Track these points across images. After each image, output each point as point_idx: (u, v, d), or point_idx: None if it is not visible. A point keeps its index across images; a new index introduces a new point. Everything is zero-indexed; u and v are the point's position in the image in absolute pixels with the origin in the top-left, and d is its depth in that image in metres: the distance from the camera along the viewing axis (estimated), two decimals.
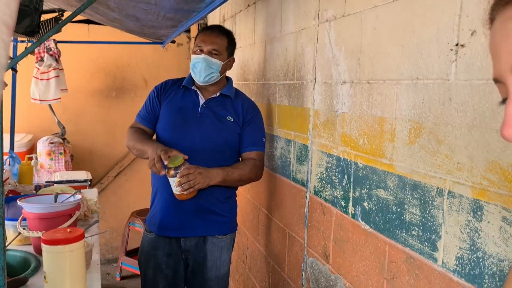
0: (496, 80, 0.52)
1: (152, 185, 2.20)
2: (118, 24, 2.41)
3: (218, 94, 2.12)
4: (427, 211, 1.18)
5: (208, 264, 2.14)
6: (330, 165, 1.73)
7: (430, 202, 1.17)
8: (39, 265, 1.53)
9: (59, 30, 2.00)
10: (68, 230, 1.36)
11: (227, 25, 3.32)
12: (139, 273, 2.31)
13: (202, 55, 2.04)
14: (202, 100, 2.11)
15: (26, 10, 1.03)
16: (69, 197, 1.79)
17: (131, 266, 3.94)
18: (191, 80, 2.15)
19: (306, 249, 1.96)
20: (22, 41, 2.66)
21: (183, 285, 2.22)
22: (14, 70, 0.97)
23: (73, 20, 3.86)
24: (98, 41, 3.61)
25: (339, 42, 1.65)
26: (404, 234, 1.27)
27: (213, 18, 3.79)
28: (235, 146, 2.13)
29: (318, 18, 1.82)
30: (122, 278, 4.08)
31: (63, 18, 2.23)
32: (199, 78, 2.07)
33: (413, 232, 1.23)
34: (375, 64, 1.41)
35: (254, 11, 2.70)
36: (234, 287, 3.23)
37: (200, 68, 2.04)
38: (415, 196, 1.22)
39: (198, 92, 2.12)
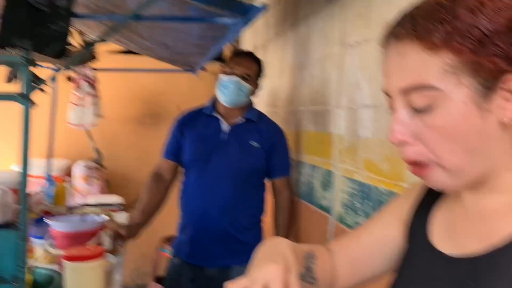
0: (385, 93, 0.64)
1: (184, 212, 2.21)
2: (151, 52, 2.52)
3: (242, 119, 2.12)
4: None
5: None
6: (353, 190, 1.70)
7: None
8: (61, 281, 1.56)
9: (93, 57, 2.10)
10: (89, 247, 1.39)
11: (258, 53, 3.38)
12: None
13: (235, 78, 2.04)
14: (224, 126, 2.11)
15: (55, 35, 1.10)
16: (95, 217, 1.83)
17: None
18: (212, 107, 2.15)
19: None
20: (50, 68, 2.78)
21: None
22: (41, 89, 1.04)
23: (112, 51, 4.03)
24: (132, 69, 3.76)
25: (362, 67, 1.65)
26: None
27: (245, 47, 3.88)
28: (261, 172, 2.13)
29: (342, 44, 1.83)
30: None
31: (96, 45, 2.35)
32: (228, 99, 2.05)
33: None
34: None
35: (284, 39, 2.75)
36: None
37: (232, 89, 2.04)
38: None
39: (221, 118, 2.12)
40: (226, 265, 2.10)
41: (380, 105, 1.50)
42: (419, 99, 0.58)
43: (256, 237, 2.17)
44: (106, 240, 1.83)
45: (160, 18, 1.44)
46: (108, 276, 1.58)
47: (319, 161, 2.09)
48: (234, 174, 2.06)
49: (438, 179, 0.61)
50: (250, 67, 2.11)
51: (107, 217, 1.83)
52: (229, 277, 2.10)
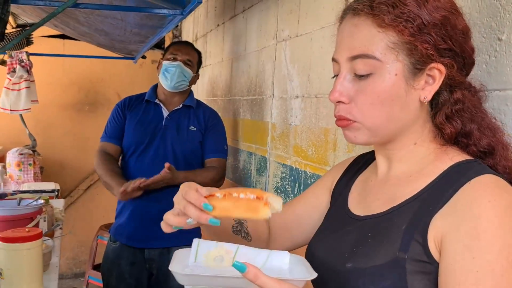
0: (334, 60, 0.75)
1: None
2: (89, 38, 2.50)
3: (181, 105, 2.20)
4: None
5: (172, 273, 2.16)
6: (284, 174, 1.83)
7: None
8: None
9: (28, 41, 2.07)
10: (26, 229, 1.41)
11: (199, 44, 3.45)
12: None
13: (177, 62, 2.11)
14: (165, 113, 2.18)
15: None
16: (32, 201, 1.83)
17: (98, 280, 3.91)
18: (153, 93, 2.21)
19: None
20: None
21: None
22: None
23: (49, 35, 3.91)
24: (70, 55, 3.69)
25: (293, 59, 1.77)
26: None
27: (187, 37, 3.91)
28: (199, 155, 2.20)
29: (276, 38, 1.95)
30: None
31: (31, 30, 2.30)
32: (171, 82, 2.11)
33: None
34: (321, 80, 1.53)
35: (223, 30, 2.83)
36: None
37: (174, 73, 2.10)
38: None
39: (161, 105, 2.19)
40: (166, 247, 2.16)
41: (308, 95, 1.63)
42: (362, 66, 0.70)
43: None
44: (42, 223, 1.85)
45: (99, 7, 1.47)
46: (46, 258, 1.60)
47: (255, 148, 2.20)
48: (173, 157, 2.12)
49: (356, 134, 0.74)
50: (191, 54, 2.19)
51: (43, 201, 1.84)
52: (169, 258, 2.16)
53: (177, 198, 0.76)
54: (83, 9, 1.51)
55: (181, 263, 0.73)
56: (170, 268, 0.69)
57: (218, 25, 2.95)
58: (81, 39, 2.70)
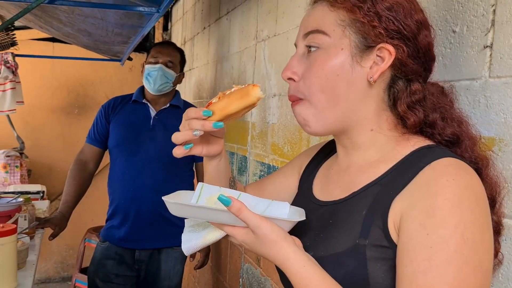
0: (295, 45, 0.78)
1: (113, 197, 2.20)
2: (74, 39, 2.52)
3: (168, 105, 2.20)
4: None
5: (161, 274, 2.15)
6: (262, 173, 1.84)
7: None
8: None
9: (13, 43, 2.07)
10: (1, 225, 1.42)
11: (187, 47, 3.47)
12: None
13: (159, 65, 2.13)
14: (153, 113, 2.18)
15: None
16: (11, 200, 1.84)
17: (85, 283, 3.89)
18: (140, 93, 2.22)
19: (243, 256, 2.05)
20: None
21: None
22: None
23: (38, 38, 3.91)
24: (57, 56, 3.70)
25: (271, 59, 1.79)
26: None
27: (176, 41, 3.93)
28: (188, 156, 2.20)
29: (256, 38, 1.97)
30: None
31: (13, 31, 2.32)
32: (154, 86, 2.12)
33: None
34: None
35: (209, 33, 2.85)
36: None
37: (156, 76, 2.11)
38: None
39: (149, 105, 2.19)
40: (157, 248, 2.15)
41: (285, 93, 1.65)
42: (312, 41, 0.72)
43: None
44: (22, 222, 1.85)
45: (73, 3, 1.49)
46: (22, 255, 1.60)
47: (237, 148, 2.22)
48: (162, 157, 2.11)
49: (304, 112, 0.74)
50: (172, 54, 2.20)
51: (22, 199, 1.84)
52: (159, 259, 2.16)
53: (182, 122, 0.79)
54: (60, 6, 1.52)
55: (180, 199, 0.75)
56: (163, 198, 0.71)
57: (204, 28, 2.97)
58: (68, 40, 2.72)
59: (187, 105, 2.29)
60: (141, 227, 2.11)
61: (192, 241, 0.74)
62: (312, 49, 0.72)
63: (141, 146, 2.13)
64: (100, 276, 2.17)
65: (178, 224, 2.15)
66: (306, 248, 0.71)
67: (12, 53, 2.73)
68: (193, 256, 2.24)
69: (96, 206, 4.32)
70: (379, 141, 0.75)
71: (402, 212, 0.64)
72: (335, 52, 0.71)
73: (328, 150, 0.90)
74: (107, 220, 2.24)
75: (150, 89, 2.15)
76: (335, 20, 0.71)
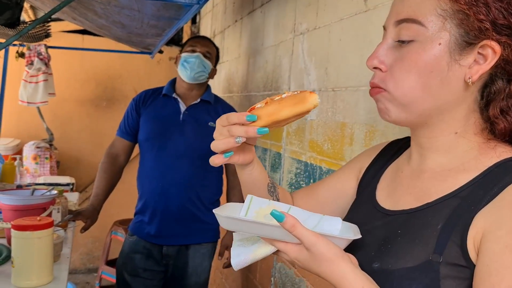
0: (384, 28, 0.70)
1: (142, 192, 2.20)
2: (107, 31, 2.51)
3: (198, 100, 2.17)
4: None
5: (189, 270, 2.14)
6: (298, 170, 1.79)
7: None
8: (9, 254, 1.56)
9: (47, 34, 2.07)
10: (38, 218, 1.41)
11: (217, 40, 3.43)
12: None
13: (197, 53, 2.10)
14: (183, 107, 2.15)
15: (8, 4, 1.10)
16: (45, 192, 1.83)
17: (111, 275, 3.92)
18: (171, 87, 2.19)
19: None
20: None
21: None
22: None
23: (69, 30, 3.94)
24: (88, 48, 3.71)
25: (310, 53, 1.73)
26: None
27: (205, 34, 3.90)
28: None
29: (294, 31, 1.91)
30: (102, 287, 4.06)
31: (49, 25, 2.31)
32: (190, 73, 2.08)
33: None
34: (339, 73, 1.49)
35: (241, 26, 2.81)
36: None
37: (193, 63, 2.08)
38: None
39: (179, 99, 2.16)
40: (185, 244, 2.14)
41: (325, 89, 1.59)
42: (405, 32, 0.64)
43: (215, 217, 2.21)
44: (56, 215, 1.84)
45: None
46: (57, 248, 1.59)
47: (270, 144, 2.17)
48: (192, 153, 2.09)
49: (387, 105, 0.68)
50: (210, 46, 2.19)
51: (56, 192, 1.84)
52: (186, 255, 2.14)
53: (218, 128, 0.72)
54: None
55: (228, 212, 0.73)
56: (214, 210, 0.69)
57: (236, 21, 2.93)
58: (100, 32, 2.71)
59: (218, 100, 2.26)
60: (169, 224, 2.10)
61: (241, 255, 0.71)
62: (404, 37, 0.65)
63: (170, 141, 2.11)
64: (128, 269, 2.18)
65: (206, 221, 2.14)
66: (371, 259, 0.67)
67: (45, 44, 2.73)
68: (221, 254, 2.22)
69: (122, 199, 4.34)
70: (461, 146, 0.68)
71: (485, 230, 0.58)
72: (431, 47, 0.63)
73: (393, 151, 0.83)
74: (135, 214, 2.24)
75: (186, 76, 2.10)
76: (435, 8, 0.63)
